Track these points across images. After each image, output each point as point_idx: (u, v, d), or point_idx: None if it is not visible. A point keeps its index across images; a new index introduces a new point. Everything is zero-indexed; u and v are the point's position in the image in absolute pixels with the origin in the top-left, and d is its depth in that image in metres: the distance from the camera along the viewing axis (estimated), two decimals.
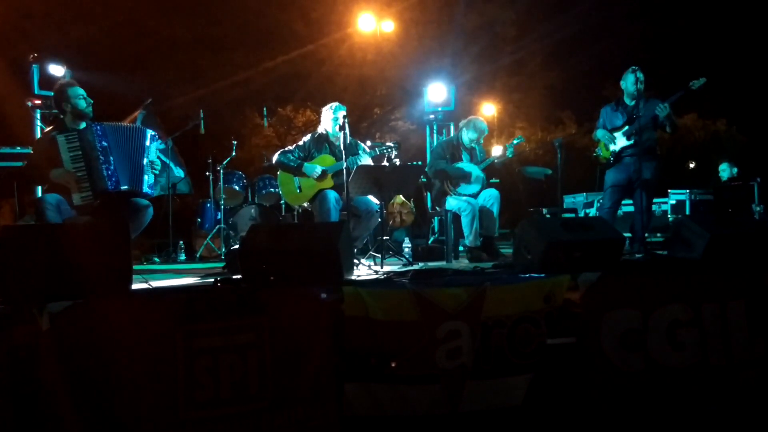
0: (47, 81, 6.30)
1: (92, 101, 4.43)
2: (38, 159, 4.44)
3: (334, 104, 5.20)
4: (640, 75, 5.27)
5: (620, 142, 5.38)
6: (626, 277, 2.90)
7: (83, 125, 4.39)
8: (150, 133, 4.53)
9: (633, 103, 5.34)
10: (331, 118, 5.13)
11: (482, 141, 5.80)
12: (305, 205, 5.24)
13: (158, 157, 4.56)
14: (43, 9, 10.93)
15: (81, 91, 4.42)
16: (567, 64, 16.23)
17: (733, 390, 2.85)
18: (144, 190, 4.45)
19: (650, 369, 2.77)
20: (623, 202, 6.24)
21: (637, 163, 5.21)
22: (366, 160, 5.01)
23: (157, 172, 4.53)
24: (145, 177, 4.44)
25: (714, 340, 2.87)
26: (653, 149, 5.37)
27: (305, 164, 5.05)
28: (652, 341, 2.79)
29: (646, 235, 5.45)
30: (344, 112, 4.96)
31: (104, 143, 4.31)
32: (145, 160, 4.44)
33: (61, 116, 4.45)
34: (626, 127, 5.33)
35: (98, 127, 4.34)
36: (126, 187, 4.36)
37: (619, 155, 5.41)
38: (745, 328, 2.92)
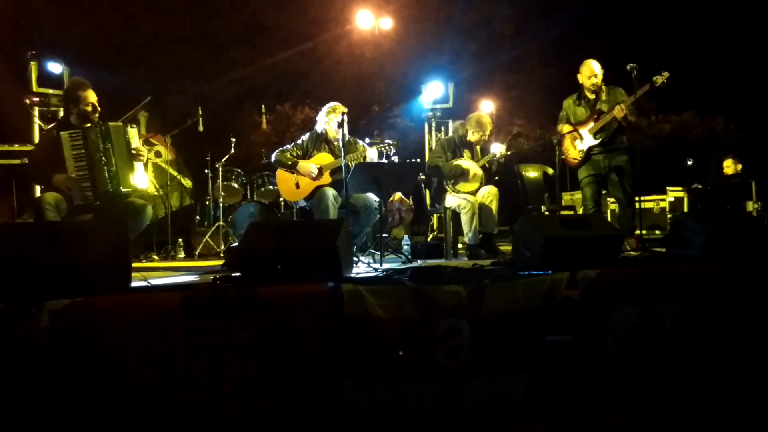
0: (46, 78, 6.29)
1: (99, 110, 4.42)
2: (41, 156, 4.43)
3: (330, 105, 5.21)
4: (595, 66, 5.20)
5: (587, 141, 5.27)
6: (626, 274, 2.90)
7: (88, 124, 4.39)
8: (129, 126, 4.54)
9: (594, 96, 5.28)
10: (325, 120, 5.15)
11: (486, 137, 5.75)
12: (303, 202, 5.24)
13: (142, 144, 4.58)
14: (41, 5, 10.90)
15: (93, 98, 4.40)
16: (565, 61, 16.20)
17: (733, 386, 2.86)
18: (140, 186, 4.46)
19: (655, 365, 2.78)
20: None
21: (606, 159, 5.21)
22: (370, 153, 5.02)
23: (143, 159, 4.53)
24: (136, 173, 4.45)
25: (714, 337, 2.88)
26: (621, 141, 5.25)
27: (300, 162, 5.05)
28: (655, 338, 2.81)
29: (645, 232, 5.42)
30: (343, 111, 4.97)
31: (108, 144, 4.31)
32: (134, 153, 4.45)
33: (62, 114, 4.45)
34: (591, 123, 5.22)
35: (102, 128, 4.32)
36: (127, 189, 4.37)
37: (587, 154, 5.31)
38: (744, 324, 2.93)
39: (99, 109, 4.43)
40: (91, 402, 2.24)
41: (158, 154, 7.29)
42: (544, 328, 2.71)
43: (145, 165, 4.63)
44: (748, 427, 2.73)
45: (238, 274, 2.98)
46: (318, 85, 14.56)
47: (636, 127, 5.29)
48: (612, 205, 7.76)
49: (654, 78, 4.98)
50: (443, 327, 2.62)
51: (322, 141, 5.21)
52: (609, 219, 6.95)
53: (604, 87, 5.26)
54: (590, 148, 5.28)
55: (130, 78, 10.15)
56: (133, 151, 4.43)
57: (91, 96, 4.40)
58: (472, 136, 5.58)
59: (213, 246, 6.87)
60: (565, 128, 5.39)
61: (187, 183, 7.76)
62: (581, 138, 5.29)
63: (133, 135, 4.48)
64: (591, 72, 5.24)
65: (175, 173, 7.52)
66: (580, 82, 5.37)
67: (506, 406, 2.64)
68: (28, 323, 2.25)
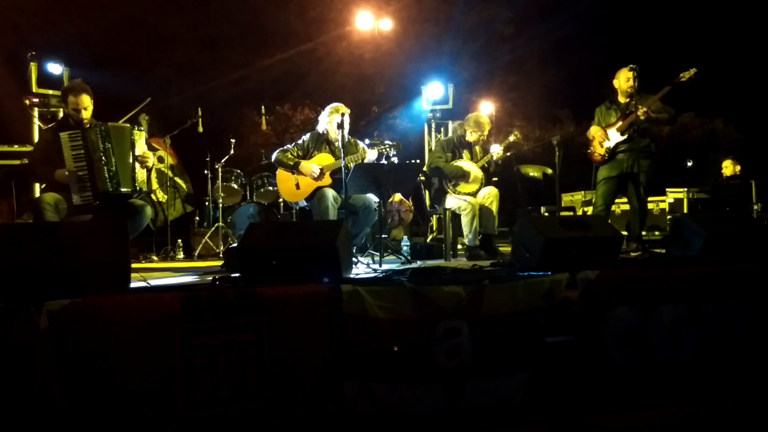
0: (45, 79, 6.29)
1: (84, 117, 4.38)
2: (40, 156, 4.44)
3: (333, 105, 5.20)
4: (632, 73, 5.23)
5: (614, 138, 5.33)
6: (625, 275, 2.90)
7: (87, 124, 4.38)
8: (137, 128, 4.54)
9: (626, 101, 5.34)
10: (327, 121, 5.14)
11: (484, 137, 5.75)
12: (303, 203, 5.24)
13: (149, 149, 4.59)
14: (41, 6, 10.91)
15: (84, 103, 4.36)
16: (565, 62, 16.25)
17: (732, 387, 2.86)
18: (138, 189, 4.46)
19: (654, 366, 2.78)
20: (622, 200, 6.22)
21: (630, 159, 5.23)
22: (370, 156, 5.02)
23: (149, 164, 4.52)
24: (135, 174, 4.44)
25: (713, 338, 2.88)
26: (648, 145, 5.32)
27: (302, 163, 5.05)
28: (654, 339, 2.81)
29: (644, 233, 5.43)
30: (344, 112, 4.97)
31: (107, 144, 4.31)
32: (140, 158, 4.46)
33: (62, 115, 4.46)
34: (619, 123, 5.31)
35: (102, 128, 4.33)
36: (126, 189, 4.37)
37: (613, 152, 5.36)
38: (743, 325, 2.93)
39: (84, 116, 4.37)
40: (89, 402, 2.23)
41: (161, 159, 7.29)
42: (543, 329, 2.71)
43: (149, 170, 4.61)
44: (746, 429, 2.73)
45: (237, 274, 2.98)
46: (318, 85, 14.59)
47: (670, 120, 5.41)
48: (613, 206, 7.75)
49: (681, 75, 5.14)
50: (442, 328, 2.62)
51: (323, 141, 5.20)
52: (609, 220, 6.94)
53: (636, 94, 5.30)
54: (616, 146, 5.33)
55: (130, 79, 10.15)
56: (139, 156, 4.43)
57: (83, 101, 4.35)
58: (471, 136, 5.59)
59: (212, 247, 6.87)
60: (593, 129, 5.48)
61: (185, 187, 7.75)
62: (608, 137, 5.37)
63: (140, 138, 4.47)
64: (628, 75, 5.29)
65: (171, 175, 7.52)
66: (616, 86, 5.45)
67: (505, 407, 2.64)
68: (26, 324, 2.25)
